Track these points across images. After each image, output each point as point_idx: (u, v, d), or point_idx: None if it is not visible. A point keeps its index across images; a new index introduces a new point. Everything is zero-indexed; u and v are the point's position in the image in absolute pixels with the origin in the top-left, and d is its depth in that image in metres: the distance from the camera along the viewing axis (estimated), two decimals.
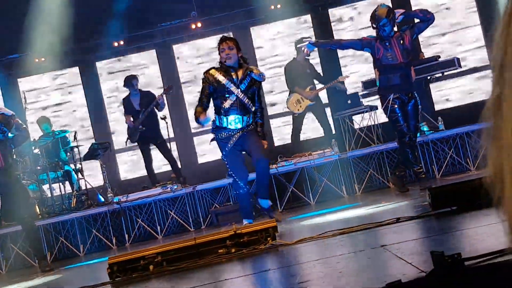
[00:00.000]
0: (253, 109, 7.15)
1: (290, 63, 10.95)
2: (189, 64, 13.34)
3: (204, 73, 7.12)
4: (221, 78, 6.95)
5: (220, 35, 7.40)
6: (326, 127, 11.03)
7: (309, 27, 13.15)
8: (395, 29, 8.20)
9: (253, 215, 7.88)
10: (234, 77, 6.98)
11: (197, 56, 13.34)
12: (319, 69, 12.16)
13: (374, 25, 8.12)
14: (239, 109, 6.99)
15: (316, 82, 10.90)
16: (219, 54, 7.07)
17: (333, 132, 11.13)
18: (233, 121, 7.03)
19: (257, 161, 7.11)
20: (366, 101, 11.03)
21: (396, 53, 8.08)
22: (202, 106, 7.00)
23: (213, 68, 7.08)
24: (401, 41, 8.08)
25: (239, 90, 6.96)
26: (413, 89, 8.33)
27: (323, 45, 8.96)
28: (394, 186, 8.75)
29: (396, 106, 8.11)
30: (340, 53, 12.96)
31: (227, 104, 6.96)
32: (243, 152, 7.30)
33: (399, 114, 8.12)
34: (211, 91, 7.00)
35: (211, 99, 7.13)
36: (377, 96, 8.73)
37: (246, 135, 7.08)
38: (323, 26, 13.03)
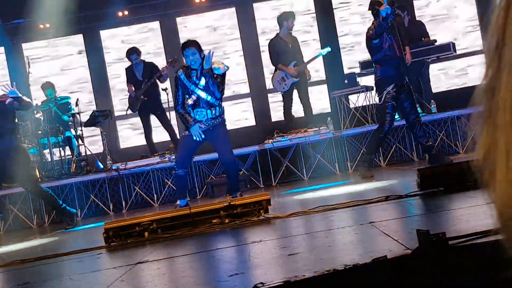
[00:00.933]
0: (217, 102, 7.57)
1: (273, 40, 10.81)
2: (192, 37, 13.31)
3: (175, 72, 7.68)
4: (183, 78, 7.46)
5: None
6: (306, 106, 10.85)
7: (310, 3, 13.15)
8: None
9: (187, 196, 8.43)
10: (194, 77, 7.42)
11: (201, 29, 13.32)
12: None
13: (374, 12, 8.04)
14: (203, 104, 7.48)
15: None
16: (184, 58, 7.53)
17: (313, 113, 10.97)
18: (199, 114, 7.50)
19: (224, 160, 7.81)
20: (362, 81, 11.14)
21: (395, 45, 8.09)
22: (183, 108, 7.56)
23: (181, 67, 7.59)
24: (395, 33, 8.10)
25: (199, 88, 7.41)
26: (406, 74, 8.39)
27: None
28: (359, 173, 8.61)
29: (390, 96, 8.08)
30: (340, 35, 13.04)
31: (190, 101, 7.49)
32: (205, 141, 7.66)
33: (390, 105, 8.10)
34: (179, 89, 7.53)
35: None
36: (373, 76, 8.68)
37: (213, 129, 7.54)
38: (324, 2, 13.07)
